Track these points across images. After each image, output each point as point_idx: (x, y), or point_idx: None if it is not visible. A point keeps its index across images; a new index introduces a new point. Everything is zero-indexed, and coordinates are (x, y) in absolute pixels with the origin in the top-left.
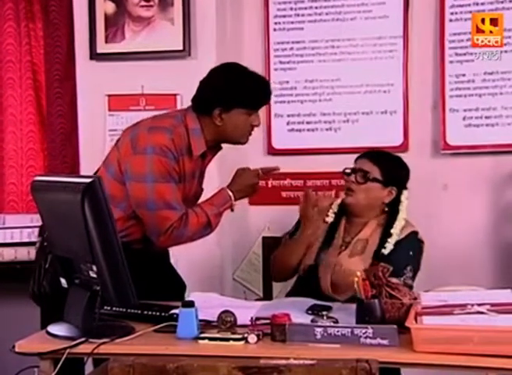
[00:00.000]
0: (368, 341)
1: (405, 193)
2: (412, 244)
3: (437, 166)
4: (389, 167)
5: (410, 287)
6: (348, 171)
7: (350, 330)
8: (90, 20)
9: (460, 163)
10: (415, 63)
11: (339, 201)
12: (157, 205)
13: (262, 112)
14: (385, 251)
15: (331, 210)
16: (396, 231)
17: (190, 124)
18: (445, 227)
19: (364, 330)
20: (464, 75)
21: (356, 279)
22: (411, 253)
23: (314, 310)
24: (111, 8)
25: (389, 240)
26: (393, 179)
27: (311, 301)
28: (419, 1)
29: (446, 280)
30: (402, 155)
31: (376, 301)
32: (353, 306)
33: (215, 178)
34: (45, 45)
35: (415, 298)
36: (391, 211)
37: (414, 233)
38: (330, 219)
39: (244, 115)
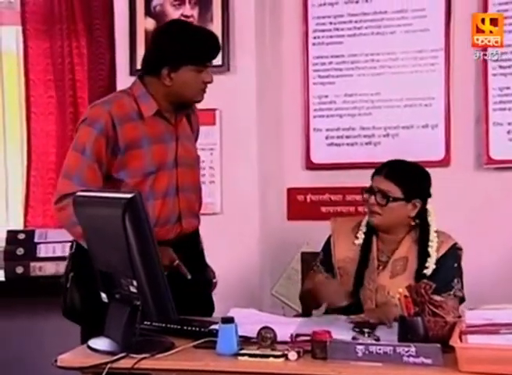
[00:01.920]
0: (411, 359)
1: (429, 201)
2: (454, 257)
3: (480, 181)
4: (408, 181)
5: (462, 299)
6: (367, 190)
7: (392, 348)
8: (130, 37)
9: (504, 178)
10: (457, 76)
11: (365, 219)
12: (62, 172)
13: (301, 126)
14: (428, 272)
15: (360, 231)
16: (433, 249)
17: (135, 92)
18: (488, 243)
19: (406, 349)
20: (508, 88)
21: (398, 296)
22: (455, 265)
23: (359, 327)
24: (151, 24)
25: (428, 259)
26: (414, 192)
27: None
28: (460, 14)
29: (489, 297)
30: (444, 170)
31: (419, 318)
32: (395, 324)
33: (254, 190)
34: (89, 63)
35: (459, 316)
36: (421, 223)
37: (453, 245)
38: (360, 240)
39: (193, 72)
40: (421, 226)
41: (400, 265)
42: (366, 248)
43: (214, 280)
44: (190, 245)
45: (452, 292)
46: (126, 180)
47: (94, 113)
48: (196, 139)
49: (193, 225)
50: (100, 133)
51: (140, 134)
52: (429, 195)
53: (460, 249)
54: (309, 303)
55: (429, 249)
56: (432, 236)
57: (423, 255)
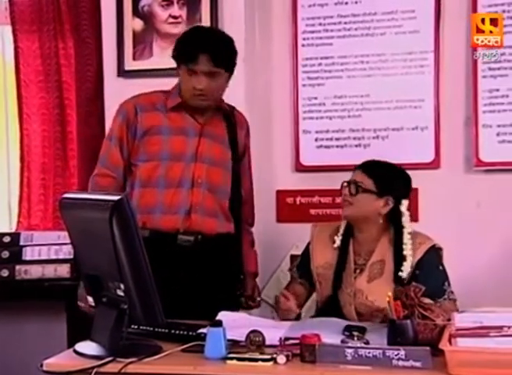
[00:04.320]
0: (401, 363)
1: (404, 203)
2: (436, 259)
3: (470, 183)
4: (383, 177)
5: (455, 301)
6: (345, 184)
7: (381, 351)
8: (118, 37)
9: (493, 180)
10: (447, 78)
11: (344, 224)
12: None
13: (290, 128)
14: (404, 275)
15: (338, 233)
16: (408, 251)
17: (171, 90)
18: (478, 246)
19: (396, 352)
20: (497, 90)
21: (387, 299)
22: (440, 267)
23: (348, 331)
24: (139, 25)
25: (404, 263)
26: (388, 189)
27: (340, 322)
28: (450, 15)
29: (478, 300)
30: (434, 172)
31: (408, 321)
32: (385, 328)
33: None
34: (76, 64)
35: (449, 319)
36: (396, 226)
37: (431, 248)
38: (338, 243)
39: (185, 74)
40: (394, 228)
41: (378, 268)
42: (343, 250)
43: (258, 299)
44: (210, 251)
45: (446, 296)
46: (139, 164)
47: (121, 104)
48: (243, 154)
49: (211, 226)
50: (122, 120)
51: (161, 123)
52: (405, 197)
53: (441, 249)
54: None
55: (404, 252)
56: (406, 238)
57: (398, 257)
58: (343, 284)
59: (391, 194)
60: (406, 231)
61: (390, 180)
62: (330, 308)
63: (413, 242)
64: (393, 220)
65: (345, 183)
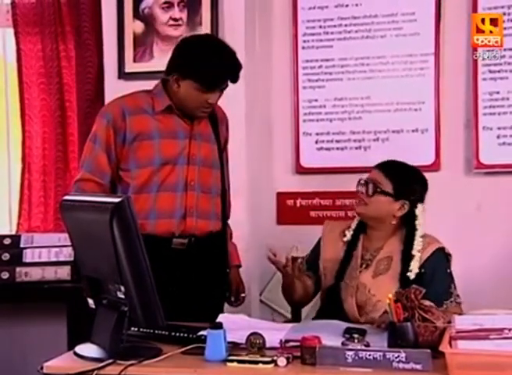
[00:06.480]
0: (401, 365)
1: (420, 207)
2: (444, 262)
3: (470, 185)
4: (402, 180)
5: (461, 304)
6: (362, 182)
7: (381, 353)
8: (118, 40)
9: (493, 182)
10: (447, 80)
11: (356, 220)
12: (80, 162)
13: (290, 130)
14: (411, 275)
15: (350, 228)
16: (417, 252)
17: (154, 89)
18: (478, 248)
19: (396, 354)
20: (497, 92)
21: (388, 301)
22: (448, 270)
23: (349, 333)
24: (139, 27)
25: (411, 263)
26: (405, 192)
27: (340, 324)
28: (450, 18)
29: (478, 302)
30: (434, 175)
31: (409, 324)
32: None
33: (244, 194)
34: (76, 66)
35: (449, 322)
36: (408, 227)
37: (439, 250)
38: (348, 237)
39: (197, 90)
40: (407, 230)
41: (384, 264)
42: (351, 245)
43: (242, 295)
44: (203, 251)
45: (452, 299)
46: (132, 169)
47: (107, 106)
48: (224, 148)
49: (204, 228)
50: (108, 124)
51: (151, 127)
52: (420, 200)
53: (450, 255)
54: (287, 298)
55: (413, 251)
56: (418, 241)
57: (407, 257)
58: (347, 277)
59: (407, 198)
60: (418, 234)
61: (408, 184)
62: (331, 302)
63: (422, 242)
64: (407, 222)
65: (362, 181)
